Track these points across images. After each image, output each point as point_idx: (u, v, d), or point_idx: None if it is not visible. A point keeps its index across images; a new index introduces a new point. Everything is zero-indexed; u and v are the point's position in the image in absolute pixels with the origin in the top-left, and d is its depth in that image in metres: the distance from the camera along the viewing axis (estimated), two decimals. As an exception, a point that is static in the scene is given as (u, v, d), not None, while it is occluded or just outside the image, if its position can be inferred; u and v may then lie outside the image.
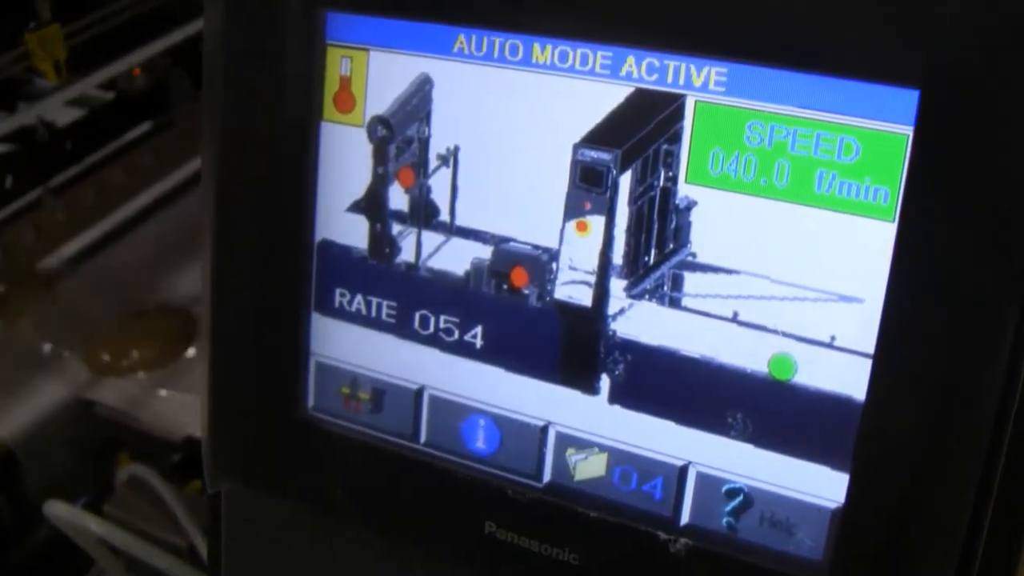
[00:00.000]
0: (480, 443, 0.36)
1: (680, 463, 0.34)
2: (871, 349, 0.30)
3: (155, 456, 0.80)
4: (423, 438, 0.37)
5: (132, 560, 0.58)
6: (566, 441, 0.35)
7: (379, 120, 0.36)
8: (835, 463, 0.31)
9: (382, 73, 0.36)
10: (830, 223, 0.31)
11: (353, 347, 0.38)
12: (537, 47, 0.33)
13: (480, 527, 0.36)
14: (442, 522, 0.37)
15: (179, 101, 0.97)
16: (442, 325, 0.36)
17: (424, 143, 0.36)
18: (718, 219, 0.32)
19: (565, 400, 0.35)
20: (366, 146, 0.37)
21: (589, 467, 0.35)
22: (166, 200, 1.00)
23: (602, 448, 0.34)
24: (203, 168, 0.39)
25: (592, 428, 0.34)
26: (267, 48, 0.37)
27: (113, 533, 0.56)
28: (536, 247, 0.34)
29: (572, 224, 0.34)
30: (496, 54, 0.34)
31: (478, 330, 0.36)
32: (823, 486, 0.32)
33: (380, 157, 0.36)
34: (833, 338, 0.31)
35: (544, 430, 0.35)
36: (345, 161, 0.37)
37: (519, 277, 0.35)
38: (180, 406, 0.80)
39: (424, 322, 0.37)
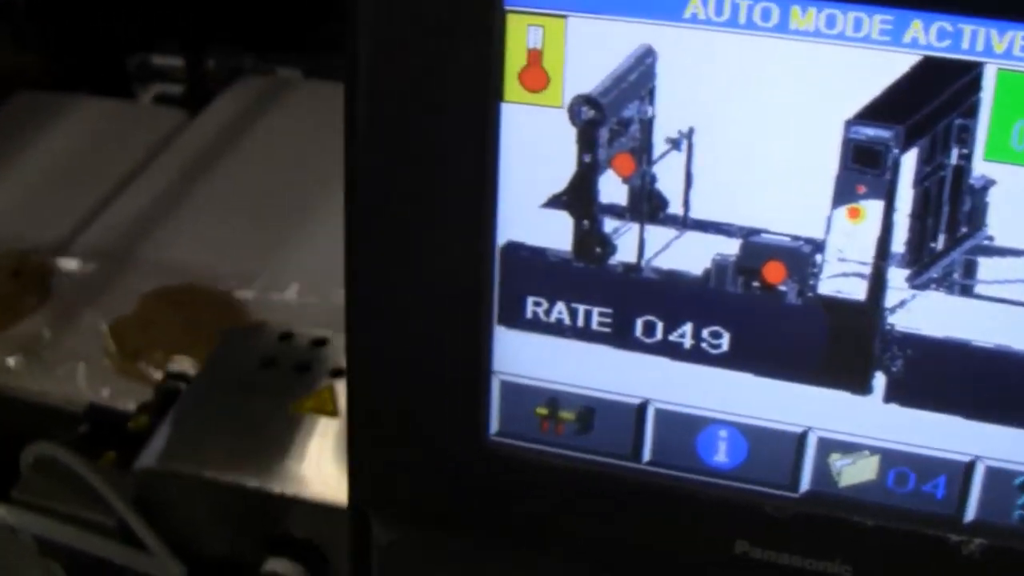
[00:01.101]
0: (721, 456, 0.34)
1: (967, 459, 0.32)
2: None
3: (54, 431, 0.72)
4: (647, 457, 0.34)
5: (53, 547, 0.52)
6: (829, 446, 0.33)
7: (586, 100, 0.32)
8: None
9: (585, 44, 0.31)
10: None
11: (552, 362, 0.34)
12: (797, 11, 0.30)
13: (729, 547, 0.34)
14: (680, 546, 0.34)
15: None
16: (674, 331, 0.33)
17: (647, 125, 0.32)
18: (1022, 198, 0.30)
19: (829, 402, 0.33)
20: (567, 130, 0.32)
21: (857, 472, 0.33)
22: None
23: (873, 450, 0.33)
24: (347, 160, 0.33)
25: (862, 430, 0.33)
26: (432, 18, 0.31)
27: (31, 521, 0.50)
28: (796, 238, 0.31)
29: (843, 211, 0.31)
30: (743, 19, 0.30)
31: (721, 334, 0.33)
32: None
33: (588, 143, 0.32)
34: None
35: (803, 436, 0.33)
36: (537, 149, 0.32)
37: (774, 272, 0.32)
38: (66, 372, 0.72)
39: (649, 329, 0.33)
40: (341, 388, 0.48)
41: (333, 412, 0.48)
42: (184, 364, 0.70)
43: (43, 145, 0.92)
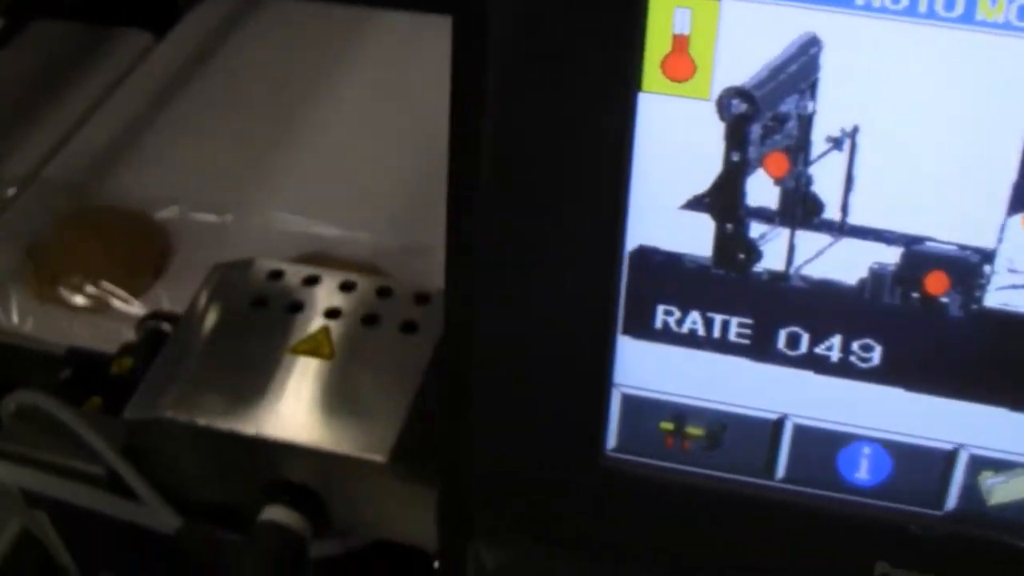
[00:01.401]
0: (863, 473, 0.32)
1: None
2: None
3: (35, 375, 0.68)
4: (781, 473, 0.32)
5: (39, 498, 0.50)
6: (981, 463, 0.31)
7: (738, 92, 0.29)
8: None
9: (740, 31, 0.28)
10: None
11: (680, 375, 0.32)
12: (986, 1, 0.27)
13: (869, 569, 0.32)
14: (816, 568, 0.32)
15: None
16: (820, 344, 0.30)
17: (806, 121, 0.29)
18: None
19: (984, 418, 0.31)
20: (715, 125, 0.29)
21: (1010, 490, 0.31)
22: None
23: (1030, 468, 0.31)
24: (457, 152, 0.30)
25: (1019, 447, 0.31)
26: None
27: (17, 473, 0.48)
28: (963, 247, 0.29)
29: (1018, 219, 0.29)
30: (924, 8, 0.27)
31: (873, 347, 0.30)
32: None
33: (738, 140, 0.29)
34: None
35: (953, 453, 0.31)
36: (677, 144, 0.29)
37: (937, 283, 0.29)
38: (45, 312, 0.67)
39: (793, 341, 0.31)
40: (335, 329, 0.46)
41: (329, 355, 0.45)
42: (162, 302, 0.67)
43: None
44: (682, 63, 0.29)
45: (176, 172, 0.76)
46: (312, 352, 0.46)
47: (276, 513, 0.44)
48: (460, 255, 0.31)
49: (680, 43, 0.29)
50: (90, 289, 0.67)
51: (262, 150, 0.79)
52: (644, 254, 0.31)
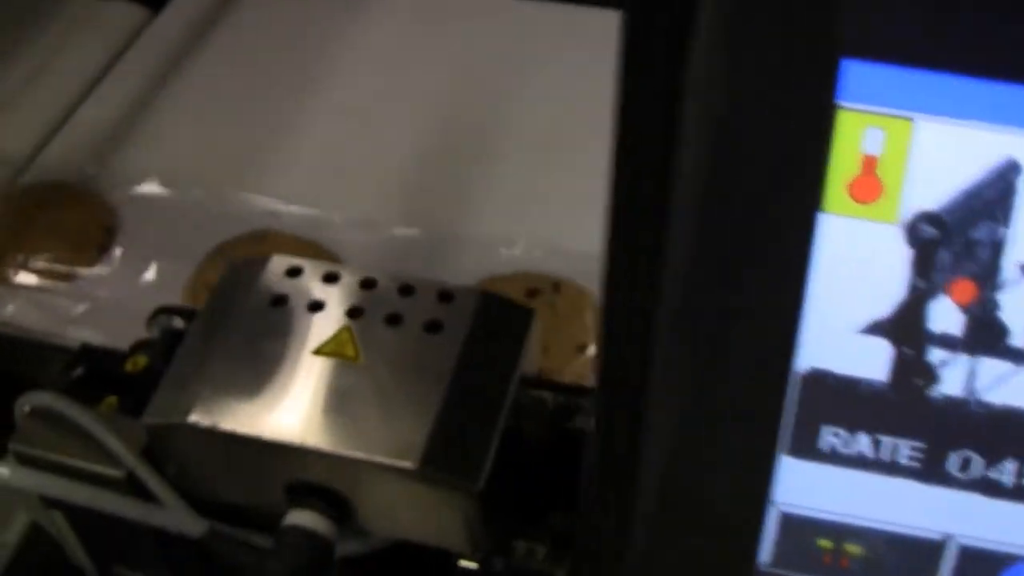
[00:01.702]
0: (1026, 593, 0.31)
1: None
2: None
3: (43, 369, 0.67)
4: (939, 592, 0.31)
5: (56, 502, 0.49)
6: None
7: (928, 217, 0.27)
8: None
9: (934, 153, 0.27)
10: None
11: (842, 495, 0.31)
12: None
13: None
14: None
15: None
16: (994, 467, 0.30)
17: (998, 248, 0.27)
18: None
19: None
20: (900, 249, 0.28)
21: None
22: None
23: None
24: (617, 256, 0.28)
25: None
26: (744, 107, 0.26)
27: (36, 481, 0.46)
28: None
29: None
30: None
31: (1049, 472, 0.29)
32: None
33: (925, 265, 0.28)
34: None
35: (1122, 575, 0.31)
36: (859, 268, 0.28)
37: (1122, 411, 0.29)
38: (52, 305, 0.66)
39: (965, 465, 0.30)
40: (358, 329, 0.45)
41: (354, 356, 0.44)
42: (105, 281, 0.67)
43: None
44: (869, 184, 0.28)
45: (140, 148, 0.76)
46: (336, 353, 0.44)
47: (302, 517, 0.43)
48: (620, 362, 0.30)
49: (869, 164, 0.28)
50: (35, 265, 0.67)
51: (245, 129, 0.78)
52: (816, 376, 0.30)
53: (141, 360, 0.50)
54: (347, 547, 0.45)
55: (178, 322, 0.52)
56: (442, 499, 0.43)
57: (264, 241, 0.68)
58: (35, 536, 0.61)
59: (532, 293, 0.66)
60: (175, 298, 0.66)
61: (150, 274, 0.68)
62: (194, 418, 0.43)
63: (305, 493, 0.44)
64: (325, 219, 0.71)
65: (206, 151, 0.77)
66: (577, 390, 0.51)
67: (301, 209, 0.71)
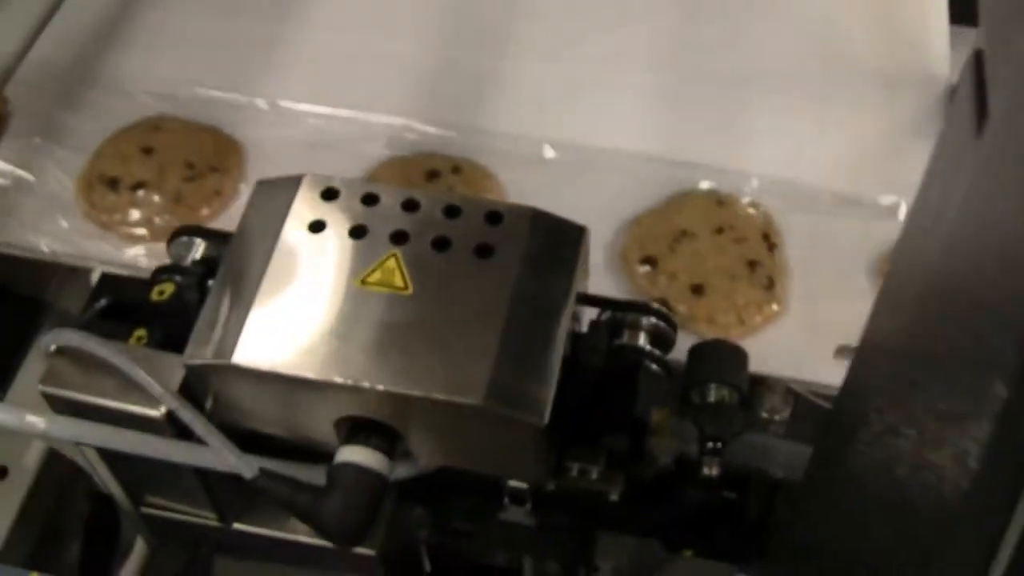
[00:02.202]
0: None
1: None
2: None
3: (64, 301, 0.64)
4: None
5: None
6: None
7: None
8: None
9: None
10: None
11: None
12: None
13: None
14: None
15: None
16: None
17: None
18: None
19: None
20: None
21: None
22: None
23: None
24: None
25: None
26: None
27: (74, 429, 0.44)
28: None
29: None
30: None
31: None
32: None
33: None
34: None
35: None
36: None
37: None
38: (72, 229, 0.63)
39: None
40: (405, 256, 0.42)
41: (403, 286, 0.42)
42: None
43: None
44: None
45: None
46: (384, 283, 0.42)
47: (355, 454, 0.42)
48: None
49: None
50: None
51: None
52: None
53: (168, 287, 0.48)
54: (398, 472, 0.44)
55: (200, 243, 0.50)
56: (506, 433, 0.42)
57: (159, 128, 0.65)
58: (54, 461, 0.60)
59: (432, 175, 0.63)
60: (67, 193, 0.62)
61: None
62: (239, 358, 0.41)
63: (356, 429, 0.42)
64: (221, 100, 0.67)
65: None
66: (626, 305, 0.50)
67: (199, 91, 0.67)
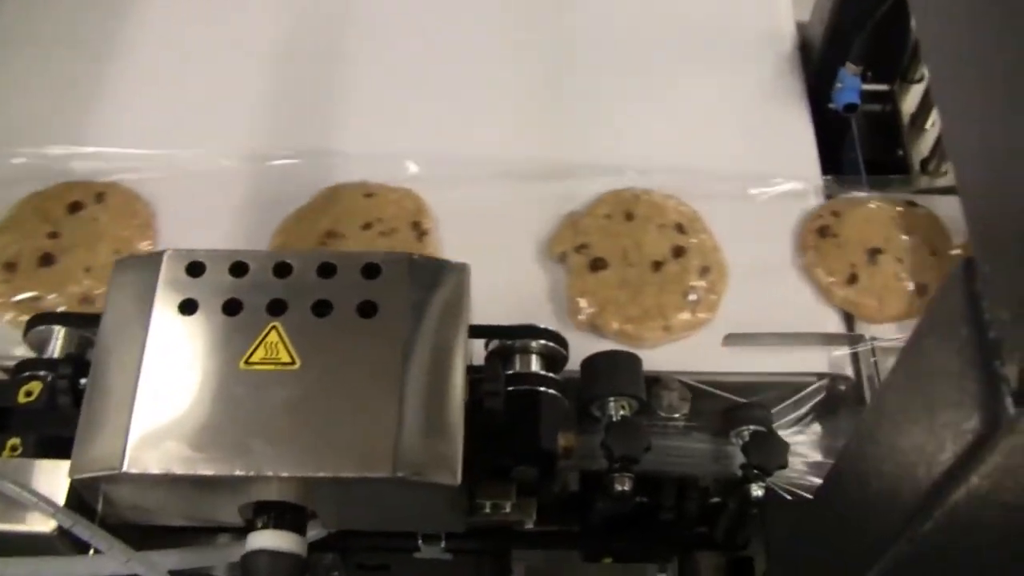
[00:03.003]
0: None
1: None
2: None
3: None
4: None
5: None
6: None
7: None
8: None
9: None
10: None
11: None
12: None
13: None
14: None
15: None
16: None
17: None
18: None
19: None
20: None
21: None
22: None
23: None
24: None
25: None
26: None
27: None
28: None
29: None
30: None
31: None
32: None
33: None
34: None
35: None
36: None
37: None
38: None
39: None
40: (287, 327, 0.41)
41: (291, 360, 0.40)
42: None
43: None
44: None
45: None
46: (269, 361, 0.41)
47: (266, 539, 0.41)
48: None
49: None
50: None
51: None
52: None
53: (35, 386, 0.45)
54: (308, 536, 0.42)
55: (58, 330, 0.47)
56: (418, 496, 0.41)
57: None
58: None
59: (75, 207, 0.58)
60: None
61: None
62: (130, 466, 0.39)
63: (263, 510, 0.41)
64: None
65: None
66: (514, 331, 0.49)
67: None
